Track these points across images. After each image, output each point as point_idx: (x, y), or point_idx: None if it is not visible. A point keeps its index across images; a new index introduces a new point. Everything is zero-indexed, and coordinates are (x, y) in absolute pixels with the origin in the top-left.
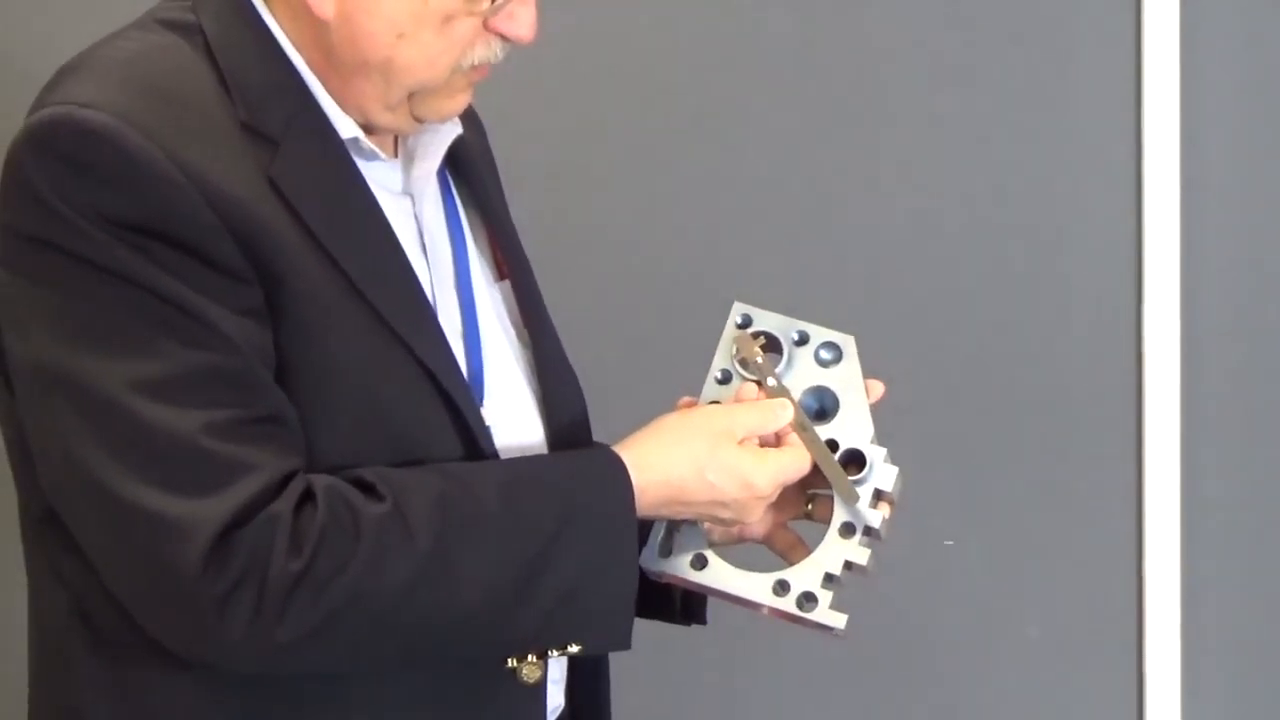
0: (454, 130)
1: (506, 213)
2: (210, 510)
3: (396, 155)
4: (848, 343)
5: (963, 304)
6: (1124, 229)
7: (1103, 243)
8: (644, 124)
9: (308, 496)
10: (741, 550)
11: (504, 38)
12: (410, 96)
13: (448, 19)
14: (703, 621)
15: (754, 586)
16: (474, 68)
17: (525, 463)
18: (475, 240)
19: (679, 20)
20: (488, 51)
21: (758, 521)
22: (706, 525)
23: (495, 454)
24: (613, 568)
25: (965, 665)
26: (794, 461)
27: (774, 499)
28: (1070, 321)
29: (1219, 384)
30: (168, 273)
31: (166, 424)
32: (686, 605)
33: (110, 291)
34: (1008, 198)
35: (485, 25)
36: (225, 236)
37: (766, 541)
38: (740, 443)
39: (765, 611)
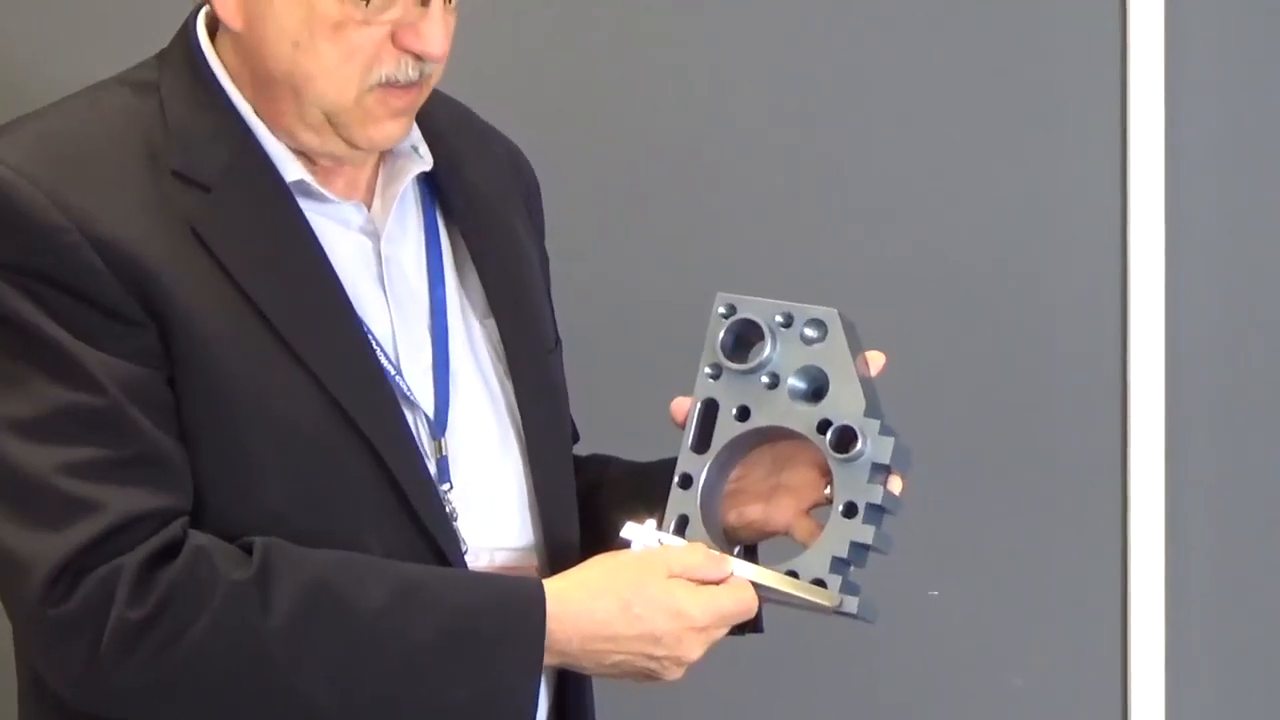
0: (419, 165)
1: (516, 248)
2: (49, 546)
3: (369, 195)
4: (831, 317)
5: (944, 335)
6: (1108, 258)
7: (1086, 266)
8: (629, 127)
9: (173, 549)
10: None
11: (415, 55)
12: (331, 120)
13: (338, 26)
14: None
15: (765, 577)
16: (387, 87)
17: (438, 573)
18: (461, 277)
19: (661, 24)
20: (397, 69)
21: (792, 523)
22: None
23: (431, 501)
24: (508, 696)
25: (950, 716)
26: (732, 596)
27: (719, 635)
28: (1056, 376)
29: (1204, 428)
30: (45, 313)
31: (24, 460)
32: None
33: None
34: (988, 219)
35: (394, 41)
36: (110, 279)
37: (789, 532)
38: (670, 577)
39: (778, 600)
